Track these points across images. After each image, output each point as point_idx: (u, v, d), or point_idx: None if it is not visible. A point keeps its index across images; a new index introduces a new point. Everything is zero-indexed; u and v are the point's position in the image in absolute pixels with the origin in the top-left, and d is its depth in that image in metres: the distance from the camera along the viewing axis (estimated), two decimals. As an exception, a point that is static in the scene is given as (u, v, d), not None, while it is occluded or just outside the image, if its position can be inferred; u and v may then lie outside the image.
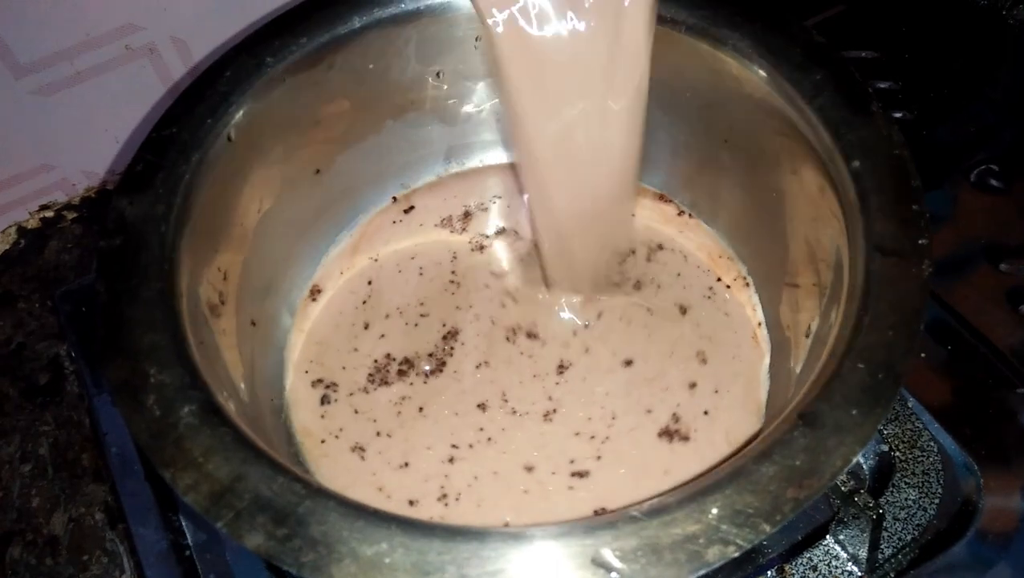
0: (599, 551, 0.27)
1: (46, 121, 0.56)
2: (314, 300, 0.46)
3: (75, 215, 0.61)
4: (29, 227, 0.60)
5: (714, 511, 0.27)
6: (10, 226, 0.60)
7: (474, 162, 0.51)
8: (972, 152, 0.53)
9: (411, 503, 0.39)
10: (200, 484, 0.28)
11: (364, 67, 0.43)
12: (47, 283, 0.58)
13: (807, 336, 0.39)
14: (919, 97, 0.56)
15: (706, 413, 0.42)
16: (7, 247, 0.60)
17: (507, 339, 0.45)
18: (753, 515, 0.27)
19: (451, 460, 0.41)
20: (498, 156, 0.51)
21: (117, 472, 0.43)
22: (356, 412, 0.43)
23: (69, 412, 0.52)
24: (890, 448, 0.42)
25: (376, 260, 0.48)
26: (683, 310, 0.45)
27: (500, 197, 0.50)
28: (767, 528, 0.27)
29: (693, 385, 0.43)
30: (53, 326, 0.55)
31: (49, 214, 0.61)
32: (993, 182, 0.52)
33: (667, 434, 0.41)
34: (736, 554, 0.27)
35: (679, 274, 0.47)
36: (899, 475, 0.41)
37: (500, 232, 0.49)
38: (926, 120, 0.55)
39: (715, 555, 0.27)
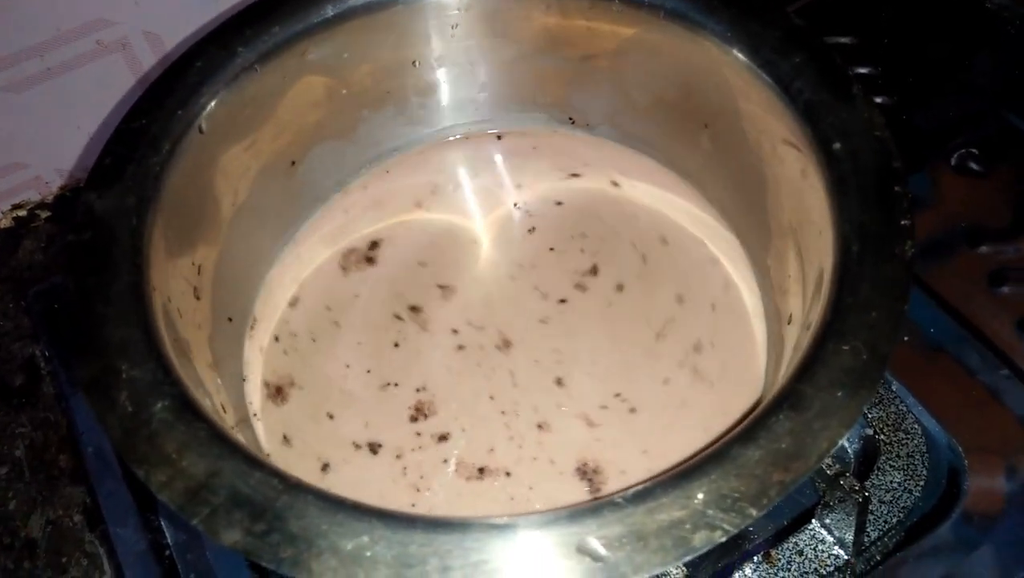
0: (584, 539, 0.26)
1: (17, 118, 0.55)
2: (290, 300, 0.45)
3: (48, 214, 0.60)
4: (2, 226, 0.60)
5: (700, 496, 0.27)
6: (-20, 226, 0.59)
7: (449, 146, 0.50)
8: (952, 136, 0.53)
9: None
10: (174, 481, 0.27)
11: (338, 57, 0.42)
12: (21, 283, 0.57)
13: (789, 322, 0.39)
14: (899, 82, 0.56)
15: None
16: (-21, 247, 0.59)
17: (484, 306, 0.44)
18: (739, 499, 0.27)
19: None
20: (475, 140, 0.50)
21: (94, 472, 0.43)
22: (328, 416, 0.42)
23: (45, 413, 0.51)
24: (875, 431, 0.42)
25: (352, 251, 0.47)
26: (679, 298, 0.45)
27: (474, 176, 0.50)
28: (754, 512, 0.27)
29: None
30: (27, 326, 0.54)
31: (22, 213, 0.60)
32: (973, 166, 0.52)
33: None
34: (723, 539, 0.26)
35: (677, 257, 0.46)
36: (884, 458, 0.41)
37: (477, 210, 0.49)
38: (906, 105, 0.55)
39: (702, 540, 0.26)
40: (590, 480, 0.39)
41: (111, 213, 0.33)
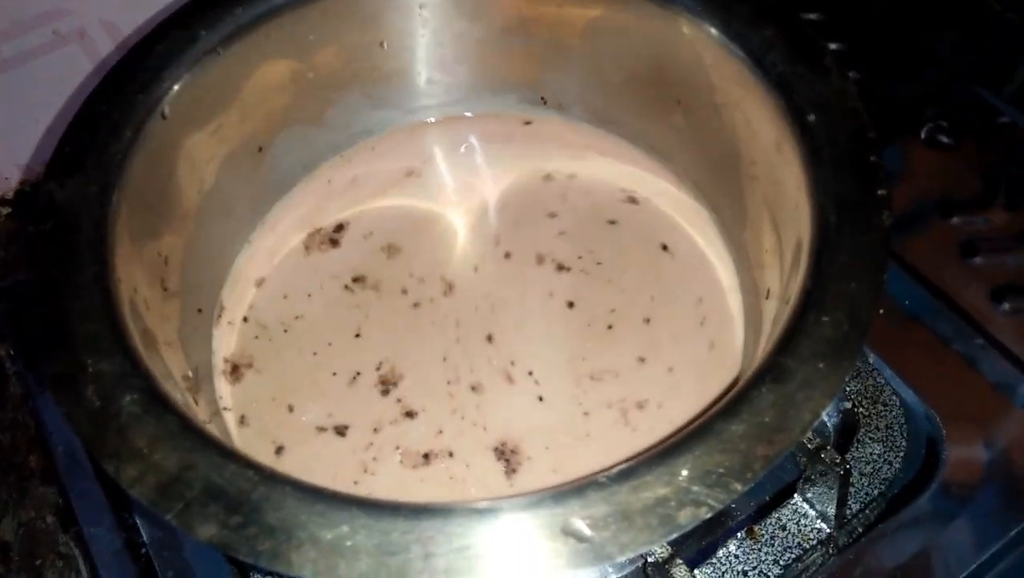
0: (568, 520, 0.26)
1: None
2: (257, 286, 0.45)
3: (8, 210, 0.59)
4: (-33, 220, 0.58)
5: (684, 472, 0.27)
6: (-59, 220, 0.58)
7: (419, 129, 0.50)
8: (921, 110, 0.53)
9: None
10: (146, 475, 0.27)
11: (304, 38, 0.41)
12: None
13: (767, 297, 0.39)
14: (867, 58, 0.56)
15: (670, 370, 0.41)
16: (-59, 242, 0.57)
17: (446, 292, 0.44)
18: (724, 474, 0.27)
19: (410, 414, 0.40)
20: (445, 123, 0.50)
21: (65, 472, 0.42)
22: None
23: (13, 414, 0.50)
24: (853, 404, 0.42)
25: (321, 235, 0.47)
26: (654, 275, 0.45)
27: (446, 156, 0.49)
28: (739, 487, 0.27)
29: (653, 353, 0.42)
30: (-7, 329, 0.53)
31: (-13, 205, 0.58)
32: (943, 139, 0.52)
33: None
34: (708, 515, 0.26)
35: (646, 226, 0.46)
36: (863, 431, 0.41)
37: (448, 194, 0.48)
38: (875, 80, 0.55)
39: (687, 517, 0.26)
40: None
41: (73, 202, 0.32)
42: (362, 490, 0.38)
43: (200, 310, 0.40)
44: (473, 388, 0.41)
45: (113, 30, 0.55)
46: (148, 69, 0.36)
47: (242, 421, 0.40)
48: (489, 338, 0.43)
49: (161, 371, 0.30)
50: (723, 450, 0.27)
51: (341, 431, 0.40)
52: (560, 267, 0.45)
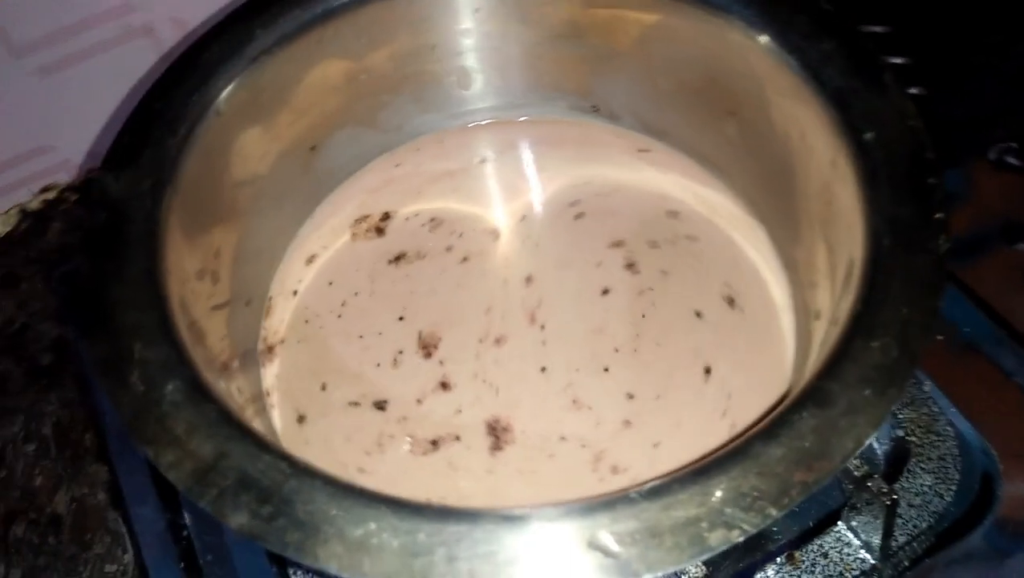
0: (596, 534, 0.26)
1: (46, 101, 0.55)
2: (305, 276, 0.45)
3: (77, 196, 0.61)
4: (31, 208, 0.60)
5: (718, 494, 0.26)
6: (12, 207, 0.60)
7: (469, 132, 0.50)
8: (990, 129, 0.51)
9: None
10: (183, 462, 0.27)
11: (357, 41, 0.42)
12: (50, 265, 0.57)
13: (817, 318, 0.38)
14: (934, 73, 0.54)
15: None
16: (9, 229, 0.59)
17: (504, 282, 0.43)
18: (759, 498, 0.26)
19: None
20: (495, 128, 0.50)
21: (116, 452, 0.43)
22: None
23: (72, 393, 0.52)
24: (905, 433, 0.40)
25: (368, 223, 0.47)
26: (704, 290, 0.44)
27: (494, 159, 0.49)
28: (774, 512, 0.26)
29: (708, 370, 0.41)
30: (56, 308, 0.55)
31: (51, 196, 0.60)
32: (1012, 160, 0.50)
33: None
34: (740, 539, 0.26)
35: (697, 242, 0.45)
36: (914, 460, 0.40)
37: (496, 198, 0.48)
38: (942, 97, 0.53)
39: (718, 539, 0.26)
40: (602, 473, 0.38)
41: (127, 196, 0.33)
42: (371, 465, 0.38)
43: (248, 303, 0.40)
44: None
45: (180, 26, 0.56)
46: (205, 67, 0.37)
47: (279, 401, 0.41)
48: (531, 319, 0.42)
49: (205, 361, 0.31)
50: (760, 473, 0.27)
51: (380, 405, 0.40)
52: (606, 270, 0.44)
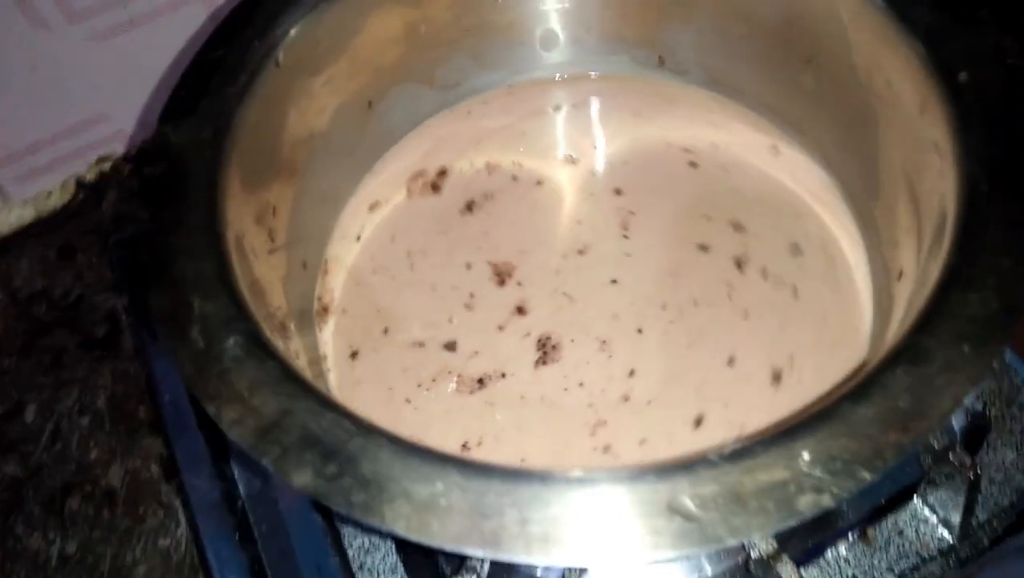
0: (676, 497, 0.24)
1: (100, 69, 0.55)
2: (362, 238, 0.44)
3: (132, 167, 0.61)
4: (88, 179, 0.60)
5: (805, 456, 0.25)
6: (69, 178, 0.60)
7: (530, 88, 0.48)
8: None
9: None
10: (245, 419, 0.26)
11: (416, -8, 0.41)
12: (105, 236, 0.58)
13: (899, 278, 0.36)
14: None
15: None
16: (67, 200, 0.59)
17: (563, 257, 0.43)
18: (850, 461, 0.25)
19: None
20: (558, 84, 0.48)
21: (170, 421, 0.43)
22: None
23: (126, 365, 0.52)
24: (984, 405, 0.38)
25: (424, 179, 0.46)
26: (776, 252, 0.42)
27: (555, 122, 0.48)
28: (867, 475, 0.24)
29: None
30: (111, 279, 0.55)
31: (107, 167, 0.60)
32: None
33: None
34: (831, 504, 0.24)
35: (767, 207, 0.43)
36: (994, 434, 0.38)
37: (555, 158, 0.47)
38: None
39: (808, 504, 0.24)
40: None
41: (186, 146, 0.33)
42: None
43: (305, 264, 0.40)
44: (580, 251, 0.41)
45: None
46: (264, 15, 0.36)
47: (333, 345, 0.41)
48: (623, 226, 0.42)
49: (265, 318, 0.30)
50: (850, 434, 0.25)
51: (450, 346, 0.40)
52: (678, 232, 0.43)
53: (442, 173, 0.46)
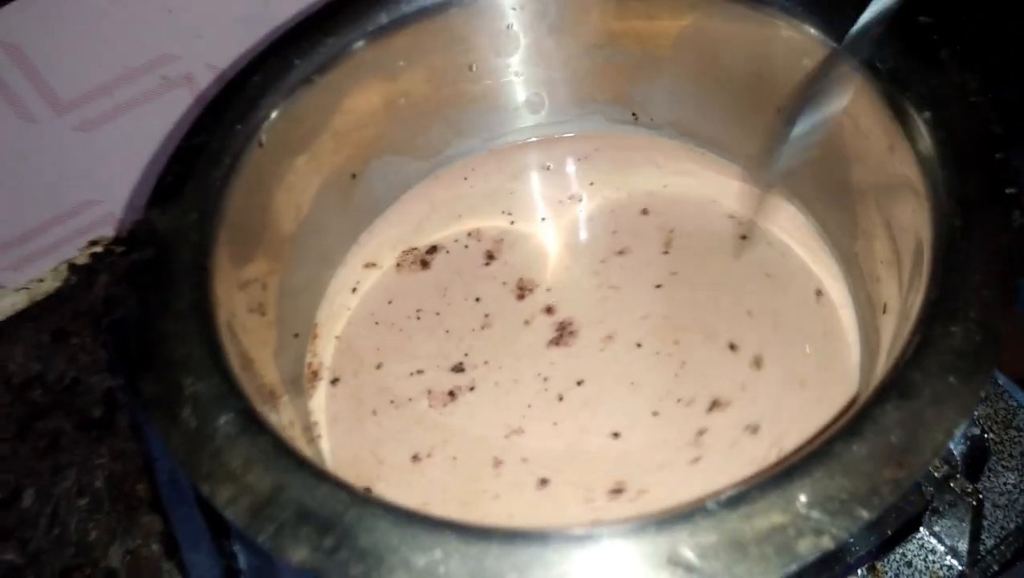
0: (676, 549, 0.24)
1: (89, 156, 0.56)
2: (350, 309, 0.45)
3: (123, 249, 0.61)
4: (78, 263, 0.60)
5: (802, 498, 0.25)
6: (61, 264, 0.60)
7: (509, 152, 0.49)
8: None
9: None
10: (240, 497, 0.26)
11: (394, 64, 0.42)
12: (98, 318, 0.58)
13: (884, 312, 0.36)
14: (981, 61, 0.52)
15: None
16: (59, 284, 0.60)
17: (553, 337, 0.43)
18: (848, 500, 0.25)
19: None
20: (536, 146, 0.49)
21: (168, 499, 0.42)
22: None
23: (123, 443, 0.52)
24: (982, 430, 0.38)
25: (414, 255, 0.46)
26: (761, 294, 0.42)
27: (538, 183, 0.49)
28: (865, 514, 0.24)
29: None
30: (105, 360, 0.55)
31: (98, 249, 0.61)
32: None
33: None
34: (832, 546, 0.24)
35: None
36: (995, 459, 0.38)
37: (542, 218, 0.47)
38: (991, 83, 0.51)
39: (808, 547, 0.24)
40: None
41: (173, 230, 0.33)
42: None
43: (296, 335, 0.40)
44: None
45: (219, 74, 0.56)
46: (245, 99, 0.37)
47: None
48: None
49: (256, 393, 0.30)
50: (846, 473, 0.25)
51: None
52: (658, 285, 0.43)
53: (431, 250, 0.46)
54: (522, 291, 0.44)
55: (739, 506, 0.25)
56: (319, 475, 0.27)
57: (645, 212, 0.46)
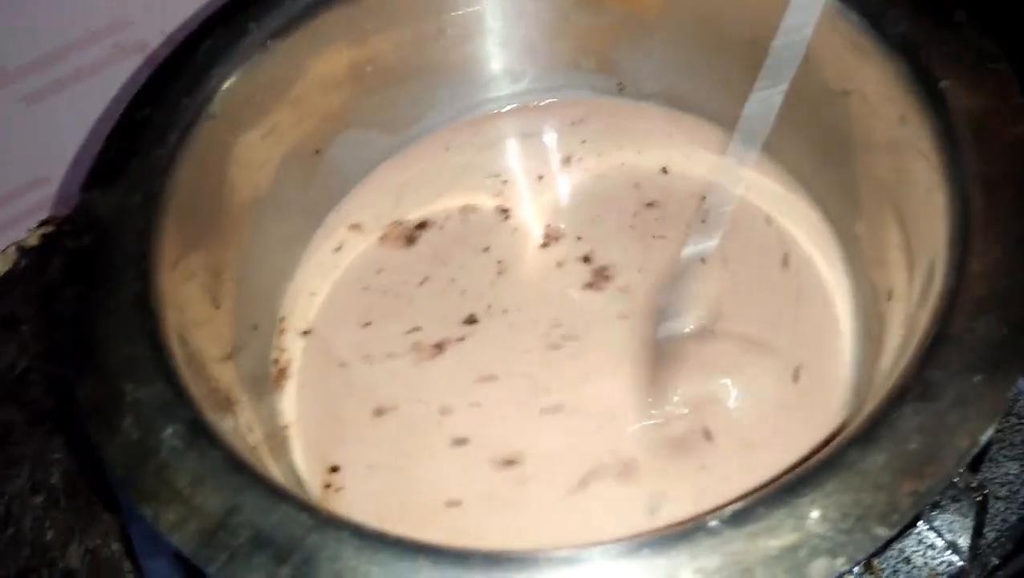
0: (676, 574, 0.22)
1: (36, 131, 0.53)
2: (320, 297, 0.42)
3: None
4: (29, 245, 0.58)
5: (814, 514, 0.23)
6: (9, 246, 0.57)
7: (487, 122, 0.46)
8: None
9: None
10: (187, 520, 0.24)
11: (360, 28, 0.39)
12: (52, 302, 0.55)
13: (889, 298, 0.34)
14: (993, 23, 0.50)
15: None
16: (8, 268, 0.57)
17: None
18: (863, 516, 0.22)
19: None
20: (514, 116, 0.47)
21: (125, 501, 0.39)
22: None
23: (79, 436, 0.49)
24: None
25: (394, 233, 0.44)
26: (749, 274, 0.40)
27: (516, 156, 0.46)
28: (883, 532, 0.22)
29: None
30: (59, 348, 0.52)
31: (49, 230, 0.58)
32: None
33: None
34: (847, 568, 0.22)
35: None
36: (996, 448, 0.36)
37: (521, 192, 0.45)
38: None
39: (821, 571, 0.22)
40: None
41: (114, 214, 0.30)
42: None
43: (256, 327, 0.37)
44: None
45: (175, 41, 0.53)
46: (194, 68, 0.34)
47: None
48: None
49: (208, 398, 0.28)
50: (861, 486, 0.23)
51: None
52: (640, 270, 0.41)
53: (421, 225, 0.43)
54: (548, 239, 0.42)
55: (745, 524, 0.23)
56: (277, 494, 0.24)
57: (632, 189, 0.44)
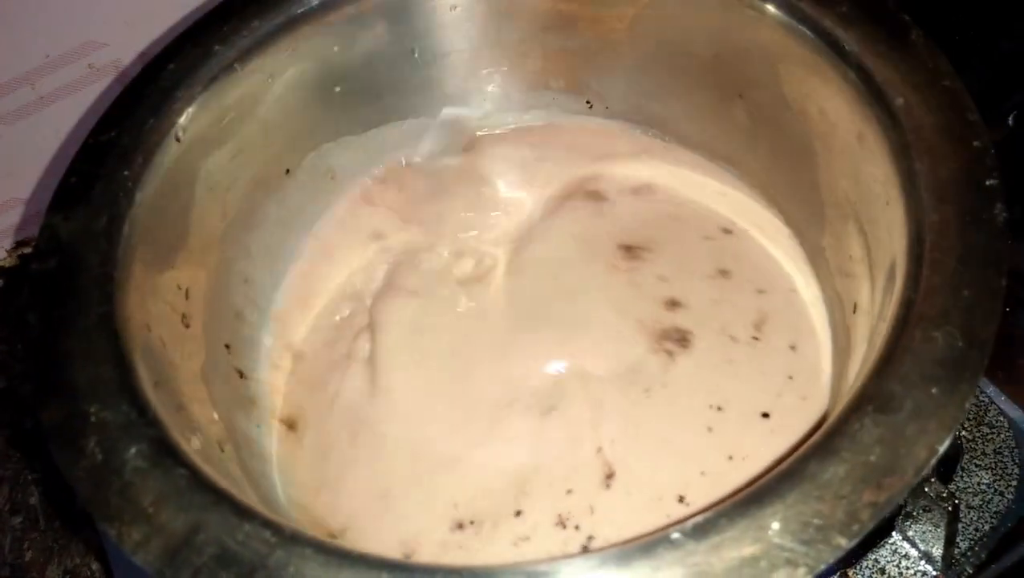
0: (637, 588, 0.22)
1: (12, 151, 0.53)
2: (298, 311, 0.42)
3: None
4: (6, 266, 0.58)
5: (775, 525, 0.23)
6: (-14, 267, 0.57)
7: (457, 141, 0.46)
8: (1007, 95, 0.48)
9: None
10: (151, 539, 0.24)
11: (328, 49, 0.39)
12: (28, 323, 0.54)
13: (854, 311, 0.35)
14: (942, 41, 0.51)
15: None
16: (-16, 289, 0.57)
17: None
18: (823, 527, 0.23)
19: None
20: (484, 137, 0.47)
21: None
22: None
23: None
24: (955, 428, 0.37)
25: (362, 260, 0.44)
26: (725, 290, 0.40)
27: (487, 176, 0.46)
28: (843, 542, 0.23)
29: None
30: (36, 369, 0.52)
31: (27, 251, 0.58)
32: (1032, 125, 0.47)
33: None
34: (808, 577, 0.22)
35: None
36: (967, 457, 0.37)
37: (492, 214, 0.45)
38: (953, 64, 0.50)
39: (782, 581, 0.22)
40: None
41: (78, 237, 0.30)
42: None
43: (228, 346, 0.37)
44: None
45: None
46: (159, 90, 0.34)
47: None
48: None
49: (175, 418, 0.27)
50: (821, 497, 0.23)
51: None
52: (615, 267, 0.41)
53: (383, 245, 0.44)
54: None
55: (707, 536, 0.23)
56: (241, 512, 0.24)
57: (601, 205, 0.44)
